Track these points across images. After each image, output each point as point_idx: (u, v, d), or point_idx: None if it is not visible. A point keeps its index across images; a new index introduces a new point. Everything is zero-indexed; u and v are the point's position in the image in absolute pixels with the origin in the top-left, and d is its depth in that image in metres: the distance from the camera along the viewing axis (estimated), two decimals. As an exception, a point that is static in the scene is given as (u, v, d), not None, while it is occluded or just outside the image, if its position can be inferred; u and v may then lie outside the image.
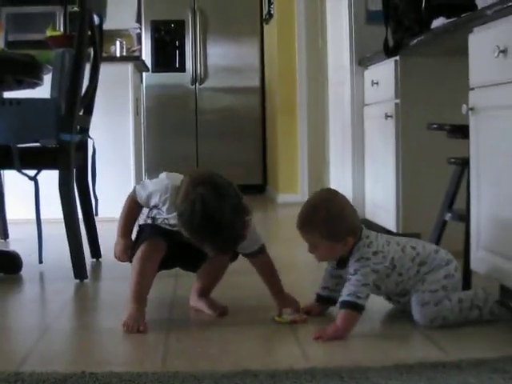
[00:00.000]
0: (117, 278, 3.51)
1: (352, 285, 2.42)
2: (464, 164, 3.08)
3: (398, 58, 3.93)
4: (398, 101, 3.94)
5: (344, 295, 2.42)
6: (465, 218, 3.02)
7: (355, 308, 2.40)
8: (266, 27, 7.92)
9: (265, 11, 7.82)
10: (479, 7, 2.79)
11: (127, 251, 2.69)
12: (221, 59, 8.13)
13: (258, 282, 3.30)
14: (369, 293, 2.43)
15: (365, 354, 2.24)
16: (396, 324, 2.49)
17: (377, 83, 4.31)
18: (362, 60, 4.60)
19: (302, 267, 3.85)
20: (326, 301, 2.68)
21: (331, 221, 2.44)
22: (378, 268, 2.44)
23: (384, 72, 4.16)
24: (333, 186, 5.27)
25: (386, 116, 4.01)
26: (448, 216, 3.23)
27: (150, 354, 2.28)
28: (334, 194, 2.61)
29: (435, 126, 3.27)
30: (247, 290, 3.14)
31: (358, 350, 2.31)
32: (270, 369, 2.03)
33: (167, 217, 2.60)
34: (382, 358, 2.16)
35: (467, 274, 2.80)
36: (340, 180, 5.00)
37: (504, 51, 2.48)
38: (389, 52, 3.95)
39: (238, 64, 8.14)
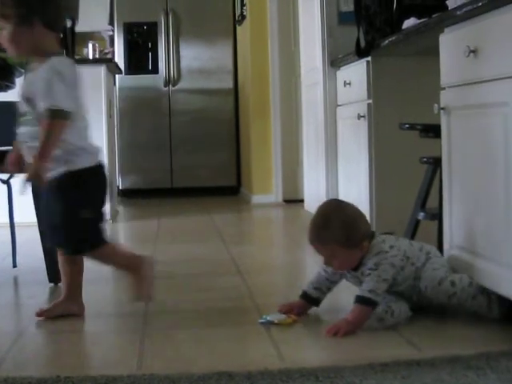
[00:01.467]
0: (91, 281, 3.49)
1: (373, 280, 2.46)
2: (436, 163, 3.10)
3: (369, 58, 3.95)
4: (370, 101, 3.97)
5: (364, 290, 2.46)
6: (437, 216, 3.05)
7: (372, 304, 2.44)
8: (238, 29, 7.92)
9: (237, 13, 7.82)
10: (450, 8, 2.81)
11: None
12: (194, 61, 8.11)
13: (232, 284, 3.31)
14: (386, 288, 2.48)
15: (339, 354, 2.25)
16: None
17: (349, 84, 4.33)
18: (335, 61, 4.62)
19: (277, 268, 3.86)
20: (312, 301, 2.68)
21: (347, 229, 2.50)
22: (395, 261, 2.50)
23: (356, 72, 4.18)
24: (306, 186, 5.29)
25: (359, 116, 4.03)
26: (421, 215, 3.25)
27: (125, 356, 2.28)
28: (341, 203, 2.69)
29: (407, 125, 3.29)
30: (221, 292, 3.14)
31: (333, 349, 2.31)
32: (245, 370, 2.03)
33: None
34: (357, 356, 2.17)
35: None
36: (313, 180, 5.01)
37: (474, 51, 2.50)
38: (360, 53, 3.97)
39: (211, 66, 8.13)
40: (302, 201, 5.89)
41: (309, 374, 1.99)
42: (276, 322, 2.55)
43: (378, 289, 2.45)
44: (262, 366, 2.08)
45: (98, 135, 5.58)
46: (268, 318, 2.57)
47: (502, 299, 2.43)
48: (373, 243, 2.54)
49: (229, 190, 8.07)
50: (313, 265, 3.82)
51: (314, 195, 5.15)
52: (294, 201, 6.68)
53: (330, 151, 4.69)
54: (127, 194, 7.95)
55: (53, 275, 3.34)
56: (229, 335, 2.49)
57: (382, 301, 2.49)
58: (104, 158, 5.57)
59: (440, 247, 2.88)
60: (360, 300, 2.46)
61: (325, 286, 2.68)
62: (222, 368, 2.05)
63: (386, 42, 3.63)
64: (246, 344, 2.44)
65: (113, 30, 8.25)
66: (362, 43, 3.97)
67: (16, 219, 3.47)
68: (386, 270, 2.48)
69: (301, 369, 2.03)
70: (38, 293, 3.23)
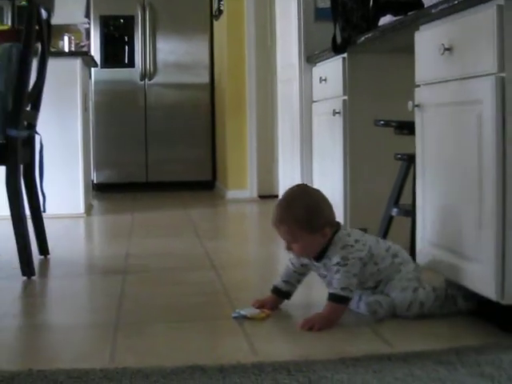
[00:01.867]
0: (65, 275, 3.49)
1: (343, 277, 2.45)
2: (410, 160, 3.12)
3: (345, 54, 3.96)
4: (345, 97, 3.98)
5: (337, 288, 2.46)
6: (410, 212, 3.07)
7: (345, 301, 2.46)
8: (215, 24, 7.92)
9: (214, 7, 7.82)
10: (425, 5, 2.82)
11: None
12: (170, 55, 8.10)
13: (206, 279, 3.32)
14: (357, 282, 2.49)
15: (312, 348, 2.26)
16: (343, 318, 2.51)
17: (325, 80, 4.34)
18: (311, 57, 4.63)
19: (251, 263, 3.87)
20: (283, 295, 2.69)
21: (310, 212, 2.49)
22: (361, 255, 2.50)
23: (332, 69, 4.19)
24: (281, 182, 5.30)
25: (334, 112, 4.04)
26: (394, 211, 3.27)
27: (97, 350, 2.27)
28: (307, 187, 2.71)
29: (382, 122, 3.31)
30: (195, 287, 3.14)
31: (305, 343, 2.33)
32: (218, 363, 2.04)
33: None
34: (329, 351, 2.18)
35: (413, 268, 2.83)
36: (288, 176, 5.02)
37: (449, 49, 2.52)
38: (337, 49, 3.98)
39: (188, 60, 8.12)
40: (276, 196, 5.91)
41: (281, 367, 1.99)
42: (249, 316, 2.56)
43: (350, 285, 2.46)
44: (234, 359, 2.08)
45: (74, 128, 5.60)
46: (241, 313, 2.58)
47: (472, 294, 2.46)
48: (338, 235, 2.53)
49: (204, 184, 8.07)
50: (286, 260, 3.83)
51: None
52: (268, 196, 6.70)
53: (305, 147, 4.70)
54: (102, 188, 7.93)
55: (26, 268, 3.33)
56: (202, 329, 2.49)
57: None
58: (79, 152, 5.61)
59: (413, 243, 2.90)
60: (333, 298, 2.46)
61: (294, 278, 2.68)
62: (194, 362, 2.06)
63: (362, 38, 3.64)
64: (218, 338, 2.45)
65: (89, 23, 8.21)
66: (339, 40, 3.98)
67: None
68: (354, 264, 2.47)
69: (273, 362, 2.04)
70: (11, 286, 3.22)
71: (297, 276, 2.69)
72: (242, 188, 7.01)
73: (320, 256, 2.55)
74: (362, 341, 2.33)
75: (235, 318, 2.57)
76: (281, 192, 5.47)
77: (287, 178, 5.06)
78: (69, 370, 2.00)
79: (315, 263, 2.59)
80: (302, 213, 2.49)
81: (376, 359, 2.06)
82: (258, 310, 2.60)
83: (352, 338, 2.36)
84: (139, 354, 2.22)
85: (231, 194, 7.03)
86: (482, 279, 2.33)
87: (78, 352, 2.27)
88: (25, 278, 3.32)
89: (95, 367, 2.03)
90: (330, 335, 2.37)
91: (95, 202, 6.86)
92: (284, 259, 3.87)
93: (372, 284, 2.57)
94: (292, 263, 2.69)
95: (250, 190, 6.99)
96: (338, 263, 2.48)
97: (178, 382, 1.91)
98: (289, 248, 2.57)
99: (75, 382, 1.91)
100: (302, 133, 4.73)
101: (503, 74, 2.22)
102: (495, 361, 2.02)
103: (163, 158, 8.02)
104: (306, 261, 2.64)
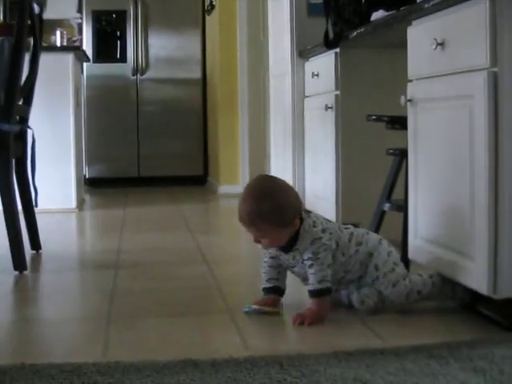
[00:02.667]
0: (56, 269, 3.49)
1: (318, 270, 2.45)
2: (402, 155, 3.12)
3: (338, 50, 3.97)
4: (337, 92, 3.98)
5: (314, 283, 2.45)
6: (403, 208, 3.07)
7: (326, 293, 2.46)
8: (207, 19, 7.91)
9: (207, 2, 7.81)
10: (418, 0, 2.83)
11: None
12: (162, 50, 8.09)
13: (198, 273, 3.32)
14: (331, 272, 2.48)
15: (304, 342, 2.26)
16: (335, 312, 2.51)
17: (317, 75, 4.34)
18: (303, 52, 4.63)
19: (243, 257, 3.87)
20: (273, 291, 2.65)
21: (280, 209, 2.43)
22: (331, 245, 2.49)
23: (324, 64, 4.19)
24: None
25: (326, 107, 4.04)
26: (386, 206, 3.27)
27: (90, 344, 2.27)
28: (271, 180, 2.61)
29: (374, 117, 3.31)
30: (185, 281, 3.14)
31: (298, 338, 2.33)
32: (210, 358, 2.04)
33: None
34: (322, 345, 2.18)
35: (406, 263, 2.84)
36: (281, 171, 5.02)
37: (441, 44, 2.52)
38: (329, 44, 3.98)
39: (180, 55, 8.12)
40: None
41: (273, 362, 2.00)
42: (266, 309, 2.55)
43: (326, 276, 2.45)
44: (227, 354, 2.08)
45: (66, 123, 5.58)
46: (253, 307, 2.57)
47: (464, 288, 2.47)
48: (303, 226, 2.48)
49: (196, 179, 8.07)
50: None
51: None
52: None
53: (297, 142, 4.70)
54: (94, 183, 7.92)
55: (18, 263, 3.33)
56: (194, 324, 2.49)
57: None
58: (71, 147, 5.60)
59: (405, 238, 2.90)
60: (315, 294, 2.46)
61: (274, 273, 2.65)
62: (187, 356, 2.06)
63: (355, 33, 3.64)
64: (211, 332, 2.45)
65: (81, 18, 8.20)
66: (331, 35, 3.98)
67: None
68: (326, 256, 2.46)
69: (265, 357, 2.04)
70: (3, 281, 3.21)
71: (275, 270, 2.64)
72: (233, 183, 7.01)
73: (288, 248, 2.52)
74: (355, 335, 2.33)
75: (247, 312, 2.57)
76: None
77: (279, 173, 5.05)
78: (61, 364, 2.00)
79: (283, 255, 2.57)
80: (272, 211, 2.42)
81: (368, 353, 2.06)
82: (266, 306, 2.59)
83: (344, 332, 2.37)
84: (131, 348, 2.22)
85: (223, 189, 7.03)
86: (474, 274, 2.33)
87: (70, 346, 2.27)
88: (17, 272, 3.31)
89: (88, 361, 2.03)
90: (322, 330, 2.38)
91: (87, 197, 6.85)
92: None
93: (342, 274, 2.56)
94: (265, 261, 2.66)
95: (242, 185, 6.97)
96: (309, 258, 2.47)
97: (170, 376, 1.91)
98: (257, 241, 2.53)
99: (68, 376, 1.91)
100: (294, 128, 4.74)
101: (495, 69, 2.23)
102: (487, 355, 2.02)
103: (155, 152, 8.01)
104: (274, 253, 2.61)
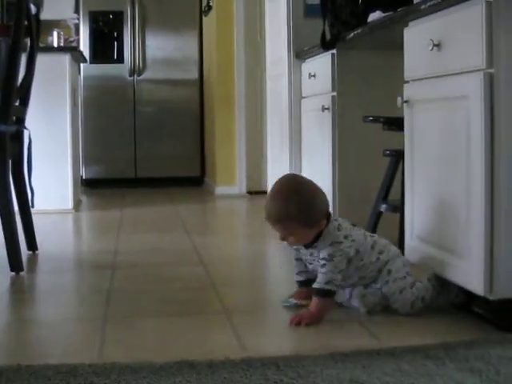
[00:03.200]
0: (53, 270, 3.49)
1: (329, 271, 2.47)
2: (399, 156, 3.13)
3: (334, 51, 3.97)
4: (334, 93, 3.98)
5: (321, 283, 2.47)
6: (399, 208, 3.07)
7: (331, 295, 2.48)
8: (204, 19, 7.91)
9: (204, 3, 7.81)
10: (415, 1, 2.83)
11: None
12: (159, 51, 8.09)
13: (195, 274, 3.32)
14: (341, 278, 2.50)
15: (301, 343, 2.27)
16: (332, 313, 2.51)
17: (314, 76, 4.34)
18: (300, 53, 4.63)
19: (239, 259, 3.87)
20: (305, 284, 2.68)
21: (307, 209, 2.46)
22: (349, 252, 2.51)
23: (321, 65, 4.19)
24: (270, 178, 5.30)
25: (323, 108, 4.04)
26: (383, 207, 3.28)
27: (86, 345, 2.27)
28: (300, 179, 2.65)
29: (371, 118, 3.31)
30: (184, 282, 3.14)
31: (294, 339, 2.33)
32: (206, 359, 2.04)
33: None
34: (318, 346, 2.18)
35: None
36: (277, 172, 5.01)
37: (438, 45, 2.52)
38: (326, 45, 3.98)
39: (177, 56, 8.11)
40: (265, 192, 5.90)
41: (270, 362, 2.00)
42: (303, 303, 2.59)
43: (334, 280, 2.47)
44: (223, 355, 2.08)
45: (62, 124, 5.58)
46: (292, 301, 2.62)
47: (460, 289, 2.47)
48: (328, 228, 2.52)
49: (193, 180, 8.07)
50: (275, 255, 3.84)
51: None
52: (257, 192, 6.70)
53: (294, 143, 4.70)
54: (91, 184, 7.92)
55: (14, 264, 3.32)
56: (191, 325, 2.49)
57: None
58: (68, 148, 5.60)
59: (401, 239, 2.90)
60: (319, 293, 2.48)
61: (302, 265, 2.68)
62: (183, 357, 2.06)
63: (351, 35, 3.64)
64: (207, 333, 2.44)
65: (78, 19, 8.19)
66: (328, 36, 3.98)
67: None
68: (341, 261, 2.48)
69: (262, 358, 2.04)
70: (0, 282, 3.22)
71: (301, 263, 2.68)
72: (230, 184, 7.01)
73: (309, 244, 2.56)
74: (351, 336, 2.33)
75: (286, 307, 2.61)
76: (269, 188, 5.48)
77: (276, 175, 5.05)
78: (57, 365, 2.00)
79: (302, 249, 2.60)
80: (299, 210, 2.45)
81: (365, 354, 2.06)
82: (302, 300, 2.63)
83: (341, 333, 2.37)
84: (128, 348, 2.22)
85: (220, 190, 7.03)
86: (470, 275, 2.33)
87: (66, 347, 2.27)
88: (13, 273, 3.31)
89: (84, 362, 2.03)
90: (319, 330, 2.38)
91: (84, 198, 6.84)
92: (272, 255, 3.89)
93: (356, 279, 2.58)
94: (294, 254, 2.70)
95: (239, 186, 7.00)
96: (324, 258, 2.49)
97: (166, 377, 1.91)
98: (284, 239, 2.54)
99: (64, 377, 1.91)
100: (290, 129, 4.74)
101: (491, 70, 2.23)
102: (484, 356, 2.03)
103: (152, 153, 8.01)
104: (296, 246, 2.64)
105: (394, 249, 2.65)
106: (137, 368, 1.97)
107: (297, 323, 2.41)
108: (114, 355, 2.13)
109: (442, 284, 2.55)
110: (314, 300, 2.48)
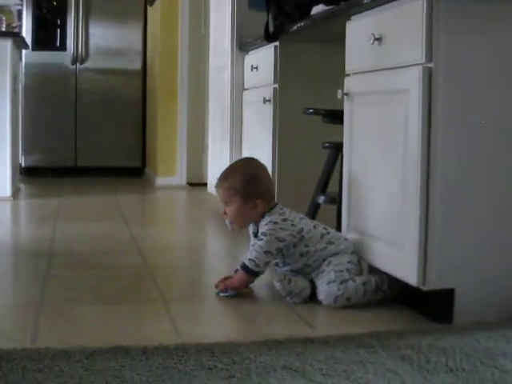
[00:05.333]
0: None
1: (255, 250, 2.60)
2: (338, 148, 3.15)
3: (277, 43, 3.98)
4: (276, 85, 3.99)
5: (246, 258, 2.61)
6: (336, 200, 3.10)
7: (250, 272, 2.61)
8: (149, 9, 7.86)
9: (148, -7, 7.76)
10: (357, -5, 2.85)
11: None
12: (103, 40, 8.01)
13: (133, 263, 3.31)
14: (269, 260, 2.61)
15: (236, 330, 2.28)
16: (267, 301, 2.53)
17: (256, 68, 4.35)
18: (243, 45, 4.63)
19: (178, 248, 3.86)
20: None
21: (246, 180, 2.67)
22: (283, 236, 2.59)
23: (264, 57, 4.20)
24: (210, 169, 5.30)
25: (265, 100, 4.05)
26: (321, 199, 3.30)
27: (19, 331, 2.25)
28: (253, 159, 2.91)
29: (311, 110, 3.33)
30: (121, 270, 3.13)
31: (230, 326, 2.34)
32: (141, 344, 2.03)
33: None
34: (253, 333, 2.20)
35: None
36: (217, 164, 5.02)
37: (379, 39, 2.55)
38: (269, 37, 3.99)
39: (120, 46, 8.05)
40: (205, 184, 5.90)
41: (204, 349, 2.00)
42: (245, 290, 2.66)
43: (257, 259, 2.58)
44: (158, 341, 2.08)
45: (2, 111, 5.50)
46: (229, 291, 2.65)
47: (395, 280, 2.50)
48: (269, 212, 2.66)
49: (133, 171, 8.02)
50: (213, 246, 3.85)
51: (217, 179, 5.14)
52: (197, 184, 6.70)
53: (234, 134, 4.71)
54: (30, 172, 7.82)
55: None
56: (127, 312, 2.48)
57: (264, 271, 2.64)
58: (7, 136, 5.52)
59: (338, 230, 2.93)
60: (242, 266, 2.62)
61: None
62: (118, 343, 2.05)
63: (295, 27, 3.65)
64: (143, 321, 2.43)
65: (21, 5, 8.08)
66: (271, 28, 3.99)
67: None
68: (270, 241, 2.58)
69: (197, 344, 2.04)
70: None
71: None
72: (171, 175, 6.99)
73: (255, 234, 2.69)
74: (286, 324, 2.35)
75: (225, 297, 2.63)
76: (209, 180, 5.48)
77: (216, 166, 5.06)
78: (-11, 350, 1.98)
79: (253, 240, 2.72)
80: (239, 179, 2.67)
81: (299, 342, 2.08)
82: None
83: (275, 321, 2.39)
84: (62, 335, 2.20)
85: (160, 180, 7.00)
86: (404, 266, 2.37)
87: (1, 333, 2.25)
88: None
89: (17, 347, 2.01)
90: (254, 318, 2.39)
91: (22, 186, 6.76)
92: (210, 245, 3.90)
93: (301, 265, 2.62)
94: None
95: (180, 177, 6.99)
96: (259, 236, 2.62)
97: (100, 362, 1.90)
98: (224, 212, 2.73)
99: (-4, 361, 1.89)
100: (232, 120, 4.74)
101: (430, 65, 2.27)
102: (415, 345, 2.06)
103: (93, 143, 7.93)
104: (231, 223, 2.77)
105: (348, 244, 2.68)
106: (70, 353, 1.96)
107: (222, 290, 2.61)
108: (48, 341, 2.11)
109: (376, 290, 2.56)
110: (237, 271, 2.64)
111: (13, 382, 1.77)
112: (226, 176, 2.74)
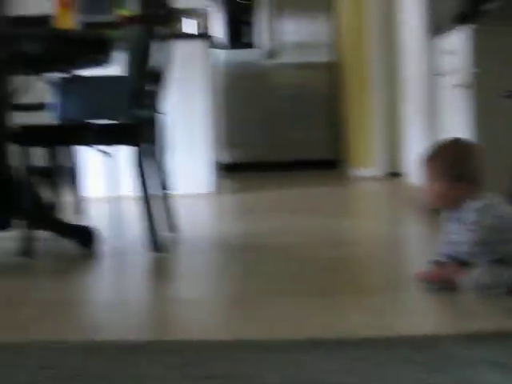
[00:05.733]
0: (193, 251, 3.54)
1: (467, 242, 2.46)
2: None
3: (473, 25, 3.83)
4: (474, 70, 3.85)
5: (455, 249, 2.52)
6: None
7: (462, 264, 2.49)
8: (338, 1, 7.85)
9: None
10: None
11: None
12: (294, 35, 8.11)
13: (327, 255, 3.30)
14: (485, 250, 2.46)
15: (439, 323, 2.22)
16: (467, 294, 2.45)
17: (451, 52, 4.23)
18: (436, 29, 4.53)
19: (375, 240, 3.80)
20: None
21: (456, 158, 2.53)
22: (492, 223, 2.45)
23: (458, 40, 4.07)
24: (408, 159, 5.22)
25: (461, 86, 3.94)
26: None
27: (225, 322, 2.30)
28: (466, 141, 2.78)
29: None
30: (318, 262, 3.13)
31: (433, 318, 2.28)
32: (335, 337, 2.02)
33: None
34: (457, 327, 2.13)
35: None
36: (415, 153, 4.94)
37: None
38: (463, 20, 3.87)
39: (310, 39, 8.12)
40: (400, 174, 5.82)
41: (404, 342, 1.96)
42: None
43: (469, 250, 2.46)
44: (353, 333, 2.06)
45: (204, 110, 5.68)
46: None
47: None
48: (477, 197, 2.48)
49: (328, 163, 8.04)
50: (412, 236, 3.78)
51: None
52: (394, 174, 6.62)
53: (431, 122, 4.61)
54: (228, 168, 8.00)
55: (154, 245, 3.41)
56: (325, 304, 2.46)
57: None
58: (207, 131, 5.69)
59: None
60: (450, 257, 2.52)
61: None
62: (313, 335, 2.04)
63: (491, 7, 3.52)
64: (340, 313, 2.40)
65: (215, 6, 8.30)
66: (466, 10, 3.87)
67: (118, 192, 3.53)
68: (482, 231, 2.43)
69: (400, 337, 2.00)
70: (140, 262, 3.29)
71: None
72: (366, 166, 6.94)
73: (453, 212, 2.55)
74: (493, 317, 2.25)
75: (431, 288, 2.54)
76: (408, 169, 5.40)
77: (414, 155, 4.98)
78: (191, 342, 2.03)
79: (449, 223, 2.58)
80: (449, 156, 2.53)
81: (508, 336, 1.99)
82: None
83: (482, 314, 2.29)
84: (265, 325, 2.21)
85: (356, 172, 6.97)
86: None
87: (205, 324, 2.30)
88: (153, 253, 3.38)
89: (215, 339, 2.06)
90: (456, 311, 2.32)
91: (222, 181, 6.93)
92: (412, 239, 3.82)
93: (499, 255, 2.47)
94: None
95: (376, 167, 6.91)
96: (469, 224, 2.45)
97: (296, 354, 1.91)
98: (426, 191, 2.58)
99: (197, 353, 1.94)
100: (427, 108, 4.65)
101: None
102: None
103: (287, 137, 8.04)
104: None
105: None
106: (271, 346, 1.97)
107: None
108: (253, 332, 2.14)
109: None
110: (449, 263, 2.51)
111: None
112: (437, 153, 2.58)
